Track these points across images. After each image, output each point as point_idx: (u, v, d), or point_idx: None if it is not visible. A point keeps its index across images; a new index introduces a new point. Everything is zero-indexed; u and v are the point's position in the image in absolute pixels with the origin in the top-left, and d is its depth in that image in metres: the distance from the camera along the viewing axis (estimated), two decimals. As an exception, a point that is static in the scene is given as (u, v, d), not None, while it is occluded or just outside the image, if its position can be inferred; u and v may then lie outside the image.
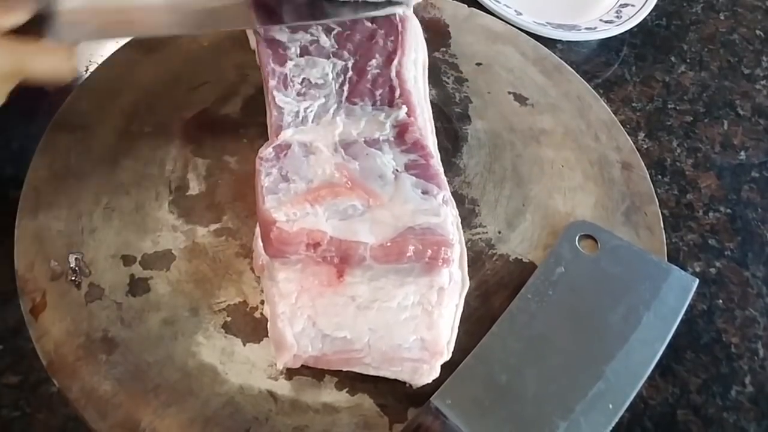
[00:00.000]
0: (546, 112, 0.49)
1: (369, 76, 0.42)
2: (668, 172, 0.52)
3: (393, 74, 0.42)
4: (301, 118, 0.40)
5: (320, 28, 0.43)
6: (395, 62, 0.43)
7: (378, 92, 0.42)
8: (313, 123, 0.40)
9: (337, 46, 0.43)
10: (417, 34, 0.46)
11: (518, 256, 0.42)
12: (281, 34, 0.43)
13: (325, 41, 0.43)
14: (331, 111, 0.41)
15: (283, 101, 0.40)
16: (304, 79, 0.41)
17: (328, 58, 0.43)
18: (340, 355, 0.34)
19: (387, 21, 0.44)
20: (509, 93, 0.50)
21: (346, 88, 0.42)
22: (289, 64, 0.42)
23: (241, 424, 0.34)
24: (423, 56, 0.47)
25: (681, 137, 0.54)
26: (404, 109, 0.41)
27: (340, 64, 0.43)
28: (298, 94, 0.41)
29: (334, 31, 0.43)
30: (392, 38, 0.43)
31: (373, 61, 0.43)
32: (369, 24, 0.44)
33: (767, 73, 0.60)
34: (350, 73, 0.42)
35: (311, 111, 0.40)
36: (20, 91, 0.35)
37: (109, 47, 0.53)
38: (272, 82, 0.41)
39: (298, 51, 0.42)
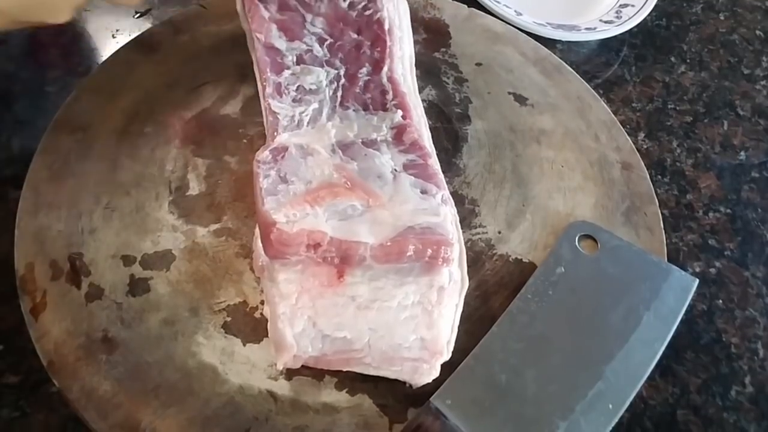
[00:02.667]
0: (546, 112, 0.49)
1: (361, 82, 0.43)
2: (668, 172, 0.52)
3: (384, 80, 0.43)
4: (296, 122, 0.40)
5: (314, 38, 0.44)
6: (385, 69, 0.43)
7: (371, 96, 0.42)
8: (309, 126, 0.40)
9: (329, 55, 0.44)
10: (403, 26, 0.46)
11: (518, 256, 0.42)
12: (280, 41, 0.43)
13: (318, 50, 0.44)
14: (326, 115, 0.41)
15: (278, 107, 0.40)
16: (299, 86, 0.42)
17: (322, 66, 0.43)
18: (340, 355, 0.34)
19: (371, 32, 0.44)
20: (509, 93, 0.50)
21: (339, 93, 0.42)
22: (286, 72, 0.43)
23: (241, 424, 0.34)
24: (409, 51, 0.47)
25: (681, 137, 0.54)
26: (399, 113, 0.41)
27: (332, 72, 0.43)
28: (293, 100, 0.41)
29: (327, 42, 0.44)
30: (379, 49, 0.44)
31: (364, 69, 0.44)
32: (354, 35, 0.44)
33: (767, 73, 0.60)
34: (342, 80, 0.43)
35: (306, 115, 0.41)
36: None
37: (109, 48, 0.53)
38: (268, 90, 0.42)
39: (294, 59, 0.43)
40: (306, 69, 0.43)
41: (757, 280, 0.46)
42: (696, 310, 0.44)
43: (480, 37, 0.54)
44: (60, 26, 0.35)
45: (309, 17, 0.45)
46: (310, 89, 0.42)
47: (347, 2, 0.45)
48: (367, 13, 0.45)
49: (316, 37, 0.44)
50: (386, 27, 0.45)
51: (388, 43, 0.44)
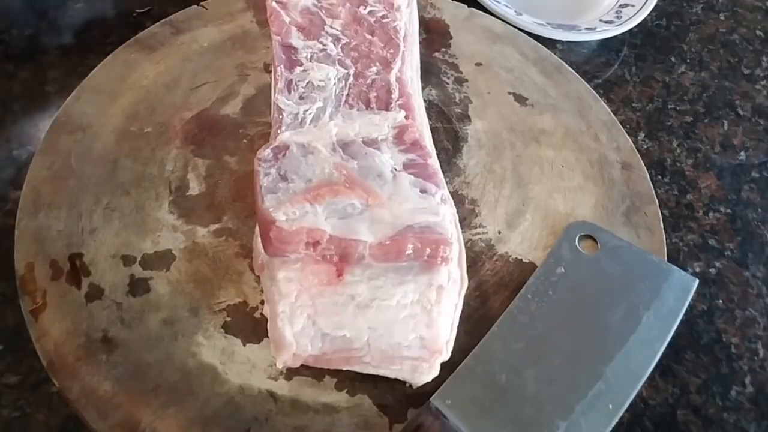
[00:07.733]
0: (546, 112, 0.49)
1: (368, 80, 0.44)
2: (668, 172, 0.52)
3: (393, 79, 0.44)
4: (300, 120, 0.40)
5: (330, 38, 0.44)
6: (395, 69, 0.44)
7: (376, 95, 0.43)
8: (311, 125, 0.40)
9: (342, 54, 0.44)
10: (414, 35, 0.47)
11: (518, 257, 0.42)
12: (297, 41, 0.44)
13: (332, 49, 0.44)
14: (329, 113, 0.41)
15: (284, 103, 0.41)
16: (308, 82, 0.43)
17: (334, 64, 0.44)
18: (340, 354, 0.34)
19: (387, 36, 0.45)
20: (509, 93, 0.51)
21: (345, 91, 0.43)
22: (298, 69, 0.43)
23: (241, 424, 0.34)
24: (417, 59, 0.48)
25: (681, 137, 0.54)
26: (402, 113, 0.41)
27: (342, 70, 0.44)
28: (300, 97, 0.42)
29: (342, 42, 0.45)
30: (392, 51, 0.45)
31: (374, 68, 0.44)
32: (369, 37, 0.45)
33: (767, 73, 0.60)
34: (350, 78, 0.44)
35: (310, 113, 0.41)
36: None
37: (109, 47, 0.53)
38: (279, 85, 0.42)
39: (309, 56, 0.44)
40: (317, 65, 0.44)
41: (757, 280, 0.46)
42: (696, 310, 0.44)
43: (480, 37, 0.54)
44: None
45: (329, 21, 0.46)
46: (318, 86, 0.43)
47: (367, 10, 0.47)
48: (385, 20, 0.46)
49: (332, 38, 0.45)
50: (402, 34, 0.46)
51: (402, 48, 0.45)
